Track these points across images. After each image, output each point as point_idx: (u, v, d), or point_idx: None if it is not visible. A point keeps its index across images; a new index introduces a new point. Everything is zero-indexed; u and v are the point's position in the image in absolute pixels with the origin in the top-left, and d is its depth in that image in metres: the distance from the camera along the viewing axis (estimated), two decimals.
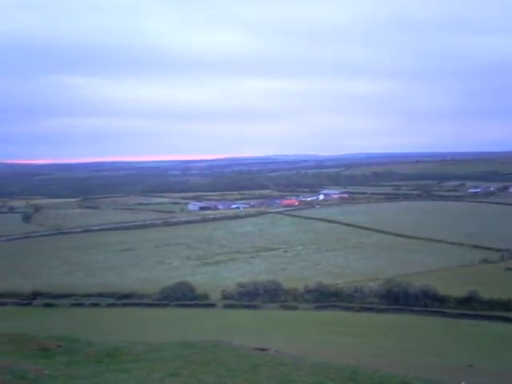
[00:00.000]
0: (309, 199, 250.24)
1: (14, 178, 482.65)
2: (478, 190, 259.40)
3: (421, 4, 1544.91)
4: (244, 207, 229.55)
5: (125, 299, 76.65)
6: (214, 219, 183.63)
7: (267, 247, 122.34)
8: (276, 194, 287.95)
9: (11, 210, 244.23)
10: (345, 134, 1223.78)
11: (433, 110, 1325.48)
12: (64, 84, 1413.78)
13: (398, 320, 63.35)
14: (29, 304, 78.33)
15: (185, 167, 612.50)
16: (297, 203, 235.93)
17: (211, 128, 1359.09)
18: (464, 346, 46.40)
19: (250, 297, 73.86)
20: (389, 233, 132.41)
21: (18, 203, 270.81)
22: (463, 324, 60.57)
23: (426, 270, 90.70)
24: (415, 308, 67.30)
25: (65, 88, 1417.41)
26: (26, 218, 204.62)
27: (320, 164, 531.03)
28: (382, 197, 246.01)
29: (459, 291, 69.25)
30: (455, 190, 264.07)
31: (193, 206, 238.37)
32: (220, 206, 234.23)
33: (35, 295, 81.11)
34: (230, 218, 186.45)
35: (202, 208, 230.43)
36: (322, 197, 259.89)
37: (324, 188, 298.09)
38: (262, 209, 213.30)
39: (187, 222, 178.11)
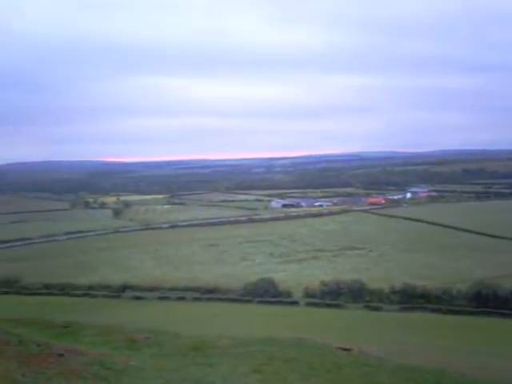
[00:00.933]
0: (395, 197, 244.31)
1: (106, 175, 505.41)
2: None
3: None
4: (327, 205, 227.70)
5: (209, 294, 77.76)
6: (297, 217, 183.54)
7: (351, 246, 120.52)
8: (361, 191, 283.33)
9: (102, 205, 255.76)
10: (433, 130, 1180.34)
11: None
12: (154, 84, 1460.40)
13: (487, 323, 60.43)
14: (118, 296, 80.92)
15: (268, 164, 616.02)
16: (383, 201, 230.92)
17: (295, 125, 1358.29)
18: None
19: (333, 296, 72.91)
20: (478, 233, 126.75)
21: (109, 199, 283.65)
22: None
23: None
24: (505, 311, 64.01)
25: (156, 88, 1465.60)
26: (117, 214, 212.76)
27: (407, 161, 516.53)
28: (473, 195, 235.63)
29: None
30: None
31: (276, 203, 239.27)
32: (303, 204, 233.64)
33: (124, 288, 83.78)
34: (313, 215, 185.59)
35: (285, 205, 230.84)
36: (409, 195, 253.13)
37: (411, 186, 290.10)
38: (346, 207, 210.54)
39: (270, 219, 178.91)
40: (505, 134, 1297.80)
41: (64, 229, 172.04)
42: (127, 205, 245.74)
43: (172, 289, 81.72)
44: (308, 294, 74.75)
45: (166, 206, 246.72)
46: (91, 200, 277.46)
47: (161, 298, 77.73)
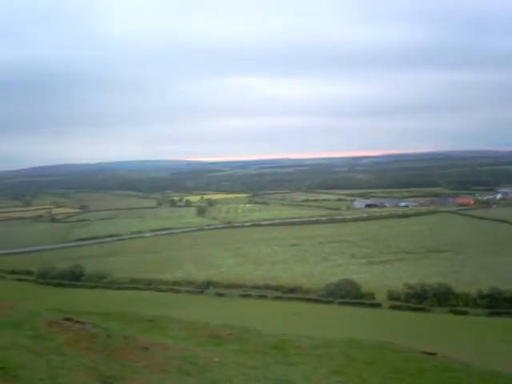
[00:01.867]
0: (485, 198, 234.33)
1: (191, 175, 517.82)
2: None
3: None
4: (412, 205, 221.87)
5: (290, 293, 77.81)
6: (381, 217, 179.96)
7: (437, 248, 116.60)
8: (448, 191, 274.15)
9: (187, 203, 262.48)
10: None
11: None
12: (237, 84, 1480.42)
13: None
14: (201, 292, 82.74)
15: (351, 163, 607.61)
16: (472, 202, 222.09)
17: (378, 123, 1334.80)
18: None
19: (418, 299, 70.86)
20: None
21: (193, 198, 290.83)
22: None
23: None
24: None
25: (239, 88, 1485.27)
26: (201, 212, 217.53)
27: (498, 160, 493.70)
28: None
29: None
30: None
31: (359, 203, 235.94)
32: (387, 204, 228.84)
33: (207, 284, 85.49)
34: (397, 216, 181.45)
35: (368, 205, 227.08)
36: (499, 196, 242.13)
37: (502, 186, 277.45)
38: (433, 207, 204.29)
39: (353, 220, 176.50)
40: None
41: (151, 226, 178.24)
42: (211, 203, 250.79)
43: (253, 287, 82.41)
44: (391, 297, 73.05)
45: (248, 205, 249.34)
46: (176, 198, 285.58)
47: (242, 296, 78.62)
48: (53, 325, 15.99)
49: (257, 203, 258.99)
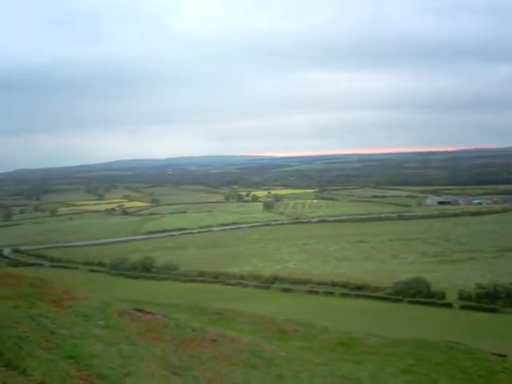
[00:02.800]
0: None
1: (258, 170, 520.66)
2: None
3: None
4: (487, 203, 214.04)
5: (358, 290, 76.77)
6: (454, 215, 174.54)
7: (511, 247, 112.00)
8: None
9: (255, 199, 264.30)
10: None
11: None
12: (303, 79, 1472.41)
13: None
14: (268, 287, 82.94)
15: (423, 159, 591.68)
16: None
17: (452, 118, 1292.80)
18: None
19: (490, 299, 68.34)
20: None
21: (260, 193, 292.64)
22: None
23: None
24: None
25: (305, 83, 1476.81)
26: (267, 207, 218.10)
27: None
28: None
29: None
30: None
31: (431, 200, 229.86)
32: (461, 201, 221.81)
33: (274, 279, 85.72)
34: (471, 214, 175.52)
35: (440, 202, 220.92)
36: None
37: None
38: (507, 205, 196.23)
39: (424, 217, 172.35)
40: None
41: (219, 220, 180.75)
42: (278, 198, 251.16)
43: (320, 283, 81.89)
44: (462, 297, 70.81)
45: (315, 201, 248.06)
46: (244, 193, 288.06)
47: (309, 292, 78.28)
48: (124, 315, 16.54)
49: (324, 199, 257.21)
